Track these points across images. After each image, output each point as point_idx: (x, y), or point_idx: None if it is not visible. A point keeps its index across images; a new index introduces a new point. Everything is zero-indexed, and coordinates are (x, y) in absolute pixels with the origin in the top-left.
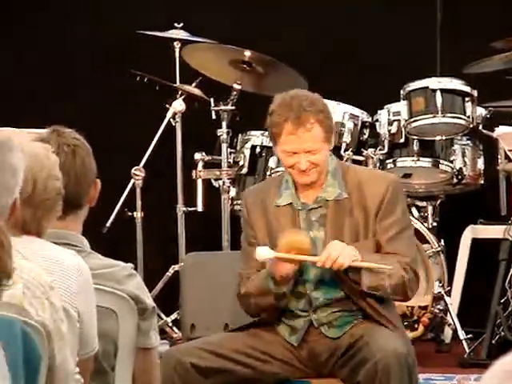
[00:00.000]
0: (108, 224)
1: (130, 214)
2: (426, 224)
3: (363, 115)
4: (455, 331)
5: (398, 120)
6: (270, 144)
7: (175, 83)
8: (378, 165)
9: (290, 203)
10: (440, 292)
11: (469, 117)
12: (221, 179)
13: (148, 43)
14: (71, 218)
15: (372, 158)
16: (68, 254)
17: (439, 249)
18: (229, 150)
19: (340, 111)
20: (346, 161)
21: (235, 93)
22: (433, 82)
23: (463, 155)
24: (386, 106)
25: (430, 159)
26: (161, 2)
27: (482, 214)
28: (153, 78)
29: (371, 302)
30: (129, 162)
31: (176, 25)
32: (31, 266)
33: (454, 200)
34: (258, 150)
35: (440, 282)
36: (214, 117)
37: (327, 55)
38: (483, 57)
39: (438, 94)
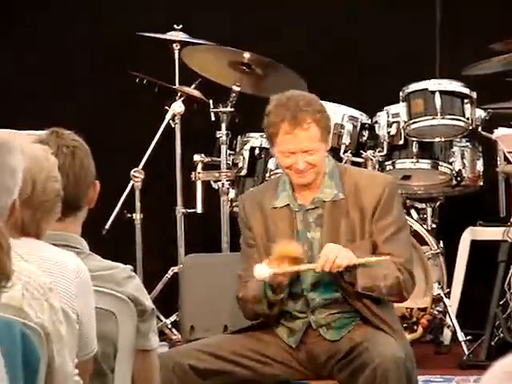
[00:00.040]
0: (107, 226)
1: (129, 215)
2: (425, 226)
3: (362, 117)
4: (454, 333)
5: (397, 122)
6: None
7: (174, 85)
8: (377, 166)
9: (287, 205)
10: (439, 294)
11: (468, 119)
12: (220, 181)
13: (147, 44)
14: (70, 220)
15: (371, 159)
16: (67, 255)
17: (438, 251)
18: (228, 151)
19: (339, 113)
20: (345, 163)
21: (234, 94)
22: (432, 84)
23: (462, 157)
24: (385, 108)
25: (429, 161)
26: (160, 4)
27: (481, 216)
28: (152, 80)
29: (368, 303)
30: (128, 164)
31: (175, 26)
32: (30, 267)
33: (453, 202)
34: (257, 151)
35: (439, 284)
36: (213, 118)
37: (327, 55)
38: (482, 59)
39: (437, 95)
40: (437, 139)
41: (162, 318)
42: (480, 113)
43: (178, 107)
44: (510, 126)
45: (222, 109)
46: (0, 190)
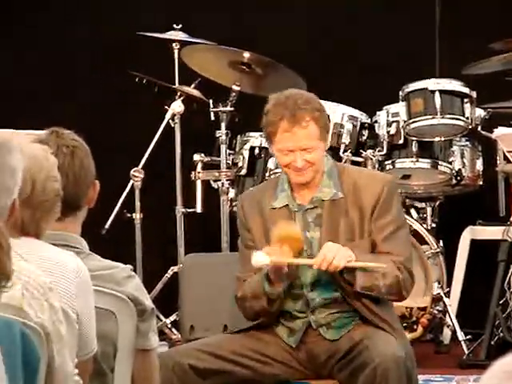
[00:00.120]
0: (107, 225)
1: (128, 215)
2: (424, 225)
3: (362, 116)
4: (454, 332)
5: (397, 121)
6: None
7: (174, 84)
8: (376, 166)
9: (286, 205)
10: (439, 293)
11: (467, 118)
12: (220, 180)
13: (147, 44)
14: (70, 220)
15: (371, 159)
16: (67, 255)
17: (438, 250)
18: (228, 151)
19: (339, 112)
20: (345, 162)
21: (234, 94)
22: (432, 83)
23: (462, 156)
24: (384, 107)
25: (428, 160)
26: (160, 4)
27: (480, 215)
28: (152, 80)
29: (367, 303)
30: (128, 164)
31: (175, 26)
32: (30, 267)
33: (453, 201)
34: (256, 151)
35: (439, 283)
36: (212, 118)
37: (327, 55)
38: (482, 58)
39: (437, 95)
40: (436, 138)
41: (161, 317)
42: (480, 112)
43: (177, 107)
44: (509, 126)
45: (221, 108)
46: (0, 189)
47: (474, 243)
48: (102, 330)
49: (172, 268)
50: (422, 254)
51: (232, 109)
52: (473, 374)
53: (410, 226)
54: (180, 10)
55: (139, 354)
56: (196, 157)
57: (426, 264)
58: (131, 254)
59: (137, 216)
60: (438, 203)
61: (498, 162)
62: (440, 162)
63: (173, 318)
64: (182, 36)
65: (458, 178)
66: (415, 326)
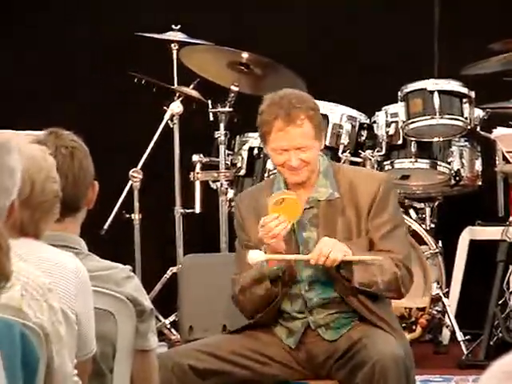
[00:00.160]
0: (106, 226)
1: (127, 216)
2: (423, 225)
3: (361, 117)
4: (453, 333)
5: (396, 121)
6: None
7: (173, 85)
8: (375, 166)
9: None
10: (438, 293)
11: (466, 118)
12: (219, 181)
13: (146, 45)
14: (69, 220)
15: (370, 159)
16: (66, 256)
17: (437, 250)
18: (226, 151)
19: (338, 113)
20: (344, 162)
21: (233, 95)
22: (430, 84)
23: (461, 157)
24: (383, 108)
25: (427, 161)
26: (159, 4)
27: (479, 216)
28: (150, 80)
29: (366, 301)
30: (127, 164)
31: (174, 26)
32: (29, 268)
33: (452, 201)
34: (255, 151)
35: (438, 284)
36: (211, 119)
37: (327, 55)
38: (481, 58)
39: (436, 95)
40: (435, 139)
41: (160, 318)
42: (479, 112)
43: (176, 107)
44: (508, 126)
45: (220, 109)
46: None
47: (473, 243)
48: (101, 330)
49: (171, 268)
50: (421, 255)
51: (231, 109)
52: (472, 374)
53: (409, 226)
54: (179, 10)
55: (138, 354)
56: (195, 157)
57: (424, 264)
58: (130, 254)
59: (136, 216)
60: (436, 203)
61: (497, 162)
62: (439, 163)
63: (172, 318)
64: (180, 36)
65: (457, 178)
66: (414, 327)
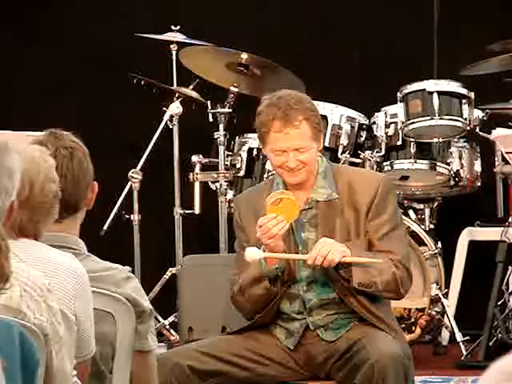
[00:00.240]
0: (105, 227)
1: (127, 216)
2: (423, 226)
3: (360, 117)
4: (452, 333)
5: (395, 122)
6: None
7: (172, 86)
8: (375, 167)
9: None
10: (437, 294)
11: (466, 119)
12: (218, 182)
13: (145, 45)
14: (68, 221)
15: (369, 160)
16: (65, 256)
17: (436, 251)
18: (226, 152)
19: (337, 113)
20: (343, 163)
21: (232, 95)
22: (430, 85)
23: (460, 157)
24: (383, 109)
25: (427, 161)
26: (158, 5)
27: (479, 217)
28: (150, 81)
29: (364, 302)
30: (126, 165)
31: (173, 27)
32: (28, 268)
33: (451, 202)
34: (255, 152)
35: (437, 285)
36: (211, 119)
37: (325, 56)
38: (480, 59)
39: (435, 96)
40: (435, 140)
41: (160, 318)
42: (478, 113)
43: (175, 108)
44: (508, 127)
45: (219, 110)
46: None
47: (472, 244)
48: (101, 331)
49: (170, 269)
50: (421, 256)
51: (230, 110)
52: (471, 375)
53: (408, 227)
54: (178, 11)
55: (138, 355)
56: (194, 158)
57: (424, 265)
58: (129, 255)
59: (135, 217)
60: (436, 204)
61: (497, 163)
62: (438, 163)
63: (171, 319)
64: (180, 37)
65: (457, 179)
66: (413, 327)
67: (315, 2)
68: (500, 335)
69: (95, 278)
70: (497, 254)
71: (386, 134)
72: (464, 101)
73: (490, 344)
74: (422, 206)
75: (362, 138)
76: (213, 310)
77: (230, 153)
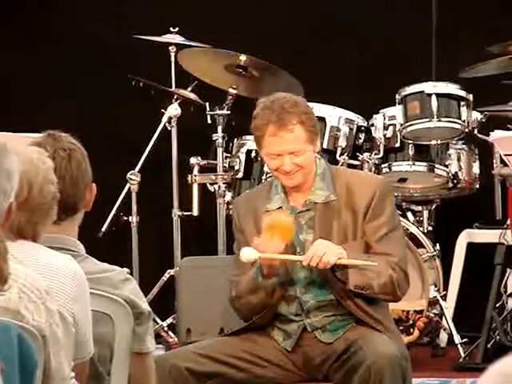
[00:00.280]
0: (103, 228)
1: (125, 218)
2: (421, 228)
3: (359, 119)
4: (451, 335)
5: (394, 124)
6: None
7: (171, 87)
8: (373, 169)
9: (280, 207)
10: (435, 296)
11: (464, 121)
12: (216, 183)
13: (144, 47)
14: (67, 223)
15: (367, 162)
16: (64, 258)
17: (435, 253)
18: (224, 154)
19: (335, 115)
20: (342, 165)
21: (231, 97)
22: (428, 87)
23: (459, 159)
24: (381, 111)
25: (425, 163)
26: (157, 6)
27: (477, 219)
28: (148, 83)
29: (361, 304)
30: (124, 167)
31: (172, 29)
32: (27, 270)
33: (450, 204)
34: (253, 154)
35: (435, 287)
36: (209, 121)
37: (324, 57)
38: (479, 61)
39: (434, 98)
40: (433, 142)
41: (158, 320)
42: (476, 115)
43: (174, 110)
44: (506, 129)
45: (218, 111)
46: None
47: (471, 246)
48: (99, 333)
49: (168, 271)
50: (419, 258)
51: (228, 112)
52: (469, 377)
53: (407, 229)
54: (176, 12)
55: (136, 357)
56: (192, 160)
57: (422, 267)
58: (128, 257)
59: (133, 219)
60: (434, 206)
61: (495, 165)
62: (436, 166)
63: (169, 321)
64: (178, 39)
65: (455, 181)
66: (412, 330)
67: (315, 2)
68: (498, 337)
69: (93, 280)
70: (495, 256)
71: (384, 136)
72: (462, 103)
73: (489, 346)
74: (420, 208)
75: (361, 140)
76: (211, 312)
77: (229, 155)
